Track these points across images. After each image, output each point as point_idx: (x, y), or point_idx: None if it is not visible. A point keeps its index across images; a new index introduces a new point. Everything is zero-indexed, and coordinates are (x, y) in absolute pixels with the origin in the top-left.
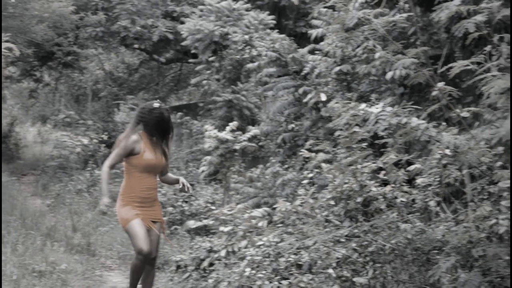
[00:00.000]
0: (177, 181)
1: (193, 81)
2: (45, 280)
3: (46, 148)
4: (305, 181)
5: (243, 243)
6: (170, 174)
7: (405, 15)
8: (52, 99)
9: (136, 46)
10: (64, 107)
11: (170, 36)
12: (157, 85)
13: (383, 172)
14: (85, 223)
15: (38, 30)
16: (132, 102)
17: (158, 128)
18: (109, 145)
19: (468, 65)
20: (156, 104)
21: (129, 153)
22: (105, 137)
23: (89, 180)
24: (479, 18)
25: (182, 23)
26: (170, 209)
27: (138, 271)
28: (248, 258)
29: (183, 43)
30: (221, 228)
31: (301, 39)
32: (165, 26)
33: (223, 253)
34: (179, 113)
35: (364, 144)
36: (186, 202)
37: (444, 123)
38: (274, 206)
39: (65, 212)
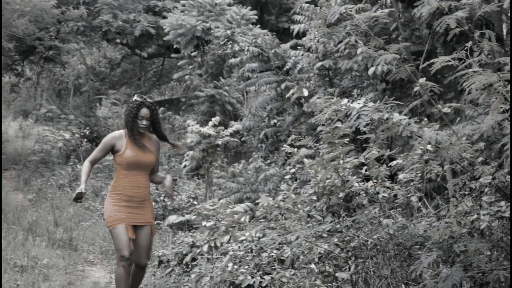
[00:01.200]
0: (163, 180)
1: (175, 76)
2: (26, 275)
3: (28, 142)
4: (287, 176)
5: (226, 238)
6: (159, 173)
7: (387, 10)
8: (33, 94)
9: (118, 40)
10: (45, 102)
11: (152, 31)
12: (139, 80)
13: (365, 167)
14: (67, 218)
15: (19, 24)
16: (114, 97)
17: (129, 122)
18: (91, 139)
19: (449, 61)
20: (135, 97)
21: (111, 150)
22: (87, 132)
23: (71, 175)
24: (460, 14)
25: (164, 17)
26: (152, 204)
27: (123, 279)
28: (231, 253)
29: (165, 38)
30: (204, 223)
31: (283, 35)
32: (147, 20)
33: (205, 248)
34: (162, 108)
35: (346, 140)
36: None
37: (425, 119)
38: (257, 201)
39: (47, 207)
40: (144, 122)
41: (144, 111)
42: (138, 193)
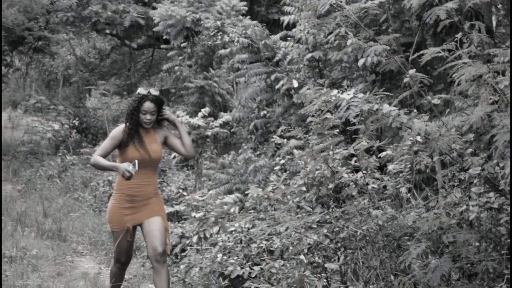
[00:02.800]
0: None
1: (165, 67)
2: (15, 266)
3: (17, 133)
4: (277, 168)
5: (215, 229)
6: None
7: (377, 1)
8: (22, 84)
9: (107, 31)
10: (35, 92)
11: (142, 22)
12: (129, 70)
13: (354, 158)
14: (56, 209)
15: (8, 14)
16: (103, 87)
17: (128, 116)
18: (80, 130)
19: (439, 52)
20: (139, 89)
21: (119, 145)
22: (76, 122)
23: (60, 166)
24: (450, 5)
25: (154, 8)
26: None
27: (116, 277)
28: (220, 244)
29: (155, 29)
30: (193, 214)
31: (273, 26)
32: (137, 11)
33: (195, 239)
34: None
35: (336, 131)
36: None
37: (415, 110)
38: (246, 192)
39: (36, 198)
40: (148, 116)
41: (148, 105)
42: (141, 191)
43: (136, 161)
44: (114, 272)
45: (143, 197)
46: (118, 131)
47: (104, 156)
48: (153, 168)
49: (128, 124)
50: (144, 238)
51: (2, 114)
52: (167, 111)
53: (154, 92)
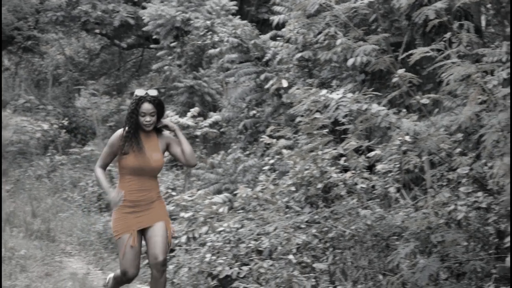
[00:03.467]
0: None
1: (154, 66)
2: (4, 266)
3: (6, 133)
4: (266, 167)
5: (204, 229)
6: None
7: (366, 1)
8: (12, 84)
9: (97, 31)
10: (24, 92)
11: (131, 21)
12: (118, 70)
13: (343, 158)
14: (45, 209)
15: None
16: (93, 87)
17: (127, 120)
18: (70, 130)
19: (428, 52)
20: (136, 91)
21: (117, 152)
22: (65, 122)
23: (49, 166)
24: (439, 5)
25: (144, 8)
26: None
27: (118, 284)
28: (209, 244)
29: (145, 29)
30: (182, 214)
31: (263, 25)
32: (126, 11)
33: (183, 239)
34: None
35: (325, 131)
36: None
37: (404, 110)
38: (235, 192)
39: (25, 198)
40: (148, 118)
41: (146, 107)
42: (143, 196)
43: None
44: (117, 278)
45: (146, 202)
46: (115, 137)
47: (105, 166)
48: (155, 174)
49: (126, 127)
50: (146, 244)
51: None
52: (167, 119)
53: (152, 92)
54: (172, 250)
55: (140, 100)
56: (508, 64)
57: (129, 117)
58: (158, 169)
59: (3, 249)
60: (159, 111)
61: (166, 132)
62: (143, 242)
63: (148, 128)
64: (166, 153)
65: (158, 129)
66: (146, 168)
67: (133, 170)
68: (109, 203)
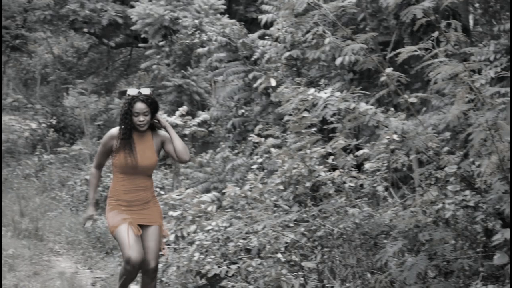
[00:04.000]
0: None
1: (143, 65)
2: None
3: None
4: (254, 166)
5: (192, 227)
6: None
7: (354, 0)
8: None
9: (85, 30)
10: (12, 91)
11: (120, 20)
12: (107, 69)
13: (331, 157)
14: (33, 208)
15: None
16: (81, 86)
17: (122, 120)
18: (58, 129)
19: (415, 51)
20: (128, 90)
21: (110, 151)
22: (53, 121)
23: (37, 165)
24: (427, 4)
25: (132, 7)
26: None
27: (126, 281)
28: (197, 242)
29: (133, 28)
30: (170, 213)
31: (252, 25)
32: (115, 10)
33: (172, 237)
34: None
35: (313, 129)
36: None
37: (392, 109)
38: (224, 191)
39: (13, 197)
40: (141, 118)
41: (139, 106)
42: (137, 196)
43: (90, 221)
44: (123, 273)
45: (141, 202)
46: (108, 137)
47: (100, 165)
48: (149, 173)
49: (121, 128)
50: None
51: None
52: (159, 116)
53: (145, 91)
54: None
55: (133, 99)
56: (496, 63)
57: (123, 118)
58: (150, 167)
59: None
60: (153, 110)
61: (161, 131)
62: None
63: (142, 128)
64: (162, 152)
65: (153, 128)
66: (138, 167)
67: (125, 169)
68: (84, 218)
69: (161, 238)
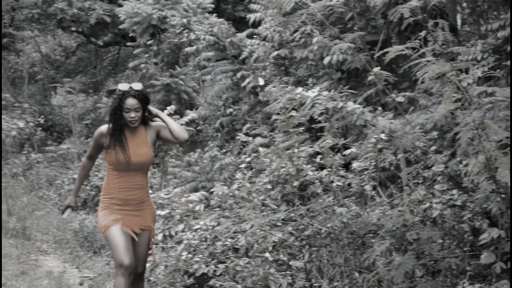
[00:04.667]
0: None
1: (131, 64)
2: None
3: None
4: (242, 165)
5: (180, 227)
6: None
7: None
8: None
9: (73, 28)
10: None
11: (108, 19)
12: (95, 68)
13: (319, 156)
14: (20, 207)
15: None
16: (69, 85)
17: (111, 116)
18: (46, 128)
19: (403, 50)
20: (119, 85)
21: (102, 147)
22: (41, 120)
23: (25, 164)
24: (414, 3)
25: (120, 6)
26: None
27: (121, 285)
28: (185, 242)
29: (121, 26)
30: (158, 212)
31: (240, 24)
32: (103, 8)
33: (160, 237)
34: None
35: (301, 129)
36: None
37: (380, 108)
38: (212, 190)
39: None
40: (132, 114)
41: (130, 102)
42: (132, 195)
43: (69, 210)
44: (117, 284)
45: (135, 201)
46: (98, 132)
47: (91, 157)
48: (145, 170)
49: (111, 125)
50: None
51: None
52: (149, 107)
53: (136, 86)
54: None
55: (124, 95)
56: (483, 62)
57: (113, 113)
58: (146, 164)
59: None
60: (145, 106)
61: (153, 122)
62: None
63: (133, 125)
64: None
65: (145, 122)
66: (133, 164)
67: (119, 166)
68: (63, 205)
69: (151, 241)
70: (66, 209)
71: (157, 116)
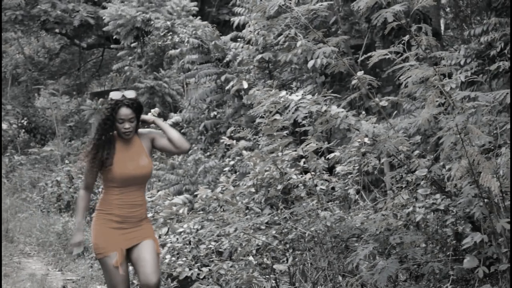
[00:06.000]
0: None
1: (114, 67)
2: None
3: None
4: (226, 169)
5: (164, 230)
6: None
7: (326, 3)
8: None
9: (57, 30)
10: None
11: (92, 21)
12: (79, 70)
13: (303, 160)
14: (3, 209)
15: None
16: (52, 87)
17: (103, 127)
18: (29, 130)
19: (386, 55)
20: (111, 94)
21: (102, 164)
22: (24, 122)
23: (8, 166)
24: (398, 7)
25: (104, 8)
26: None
27: None
28: (169, 245)
29: (105, 29)
30: None
31: (224, 27)
32: (86, 10)
33: None
34: (101, 99)
35: (285, 132)
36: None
37: (363, 112)
38: (196, 193)
39: None
40: (127, 125)
41: (124, 112)
42: (133, 212)
43: (81, 247)
44: None
45: (134, 219)
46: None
47: (89, 185)
48: (144, 184)
49: (96, 136)
50: (134, 266)
51: None
52: (143, 116)
53: (129, 94)
54: None
55: (117, 104)
56: (466, 67)
57: (102, 123)
58: (146, 176)
59: None
60: (139, 115)
61: (144, 129)
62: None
63: (128, 136)
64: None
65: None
66: (132, 178)
67: (122, 182)
68: (70, 245)
69: (158, 253)
70: (76, 246)
71: (154, 123)
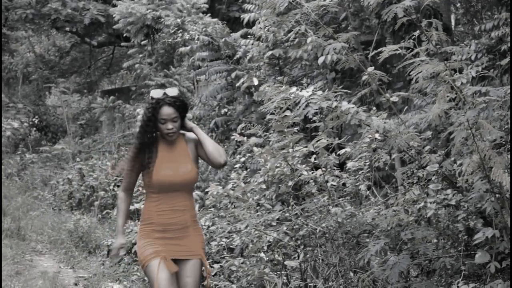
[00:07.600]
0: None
1: (125, 64)
2: None
3: None
4: (237, 165)
5: None
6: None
7: None
8: None
9: (67, 29)
10: None
11: (102, 19)
12: (89, 68)
13: (314, 156)
14: (15, 207)
15: None
16: (63, 85)
17: (145, 129)
18: (40, 128)
19: (397, 50)
20: (152, 92)
21: (142, 166)
22: (36, 120)
23: (20, 164)
24: (408, 3)
25: (114, 6)
26: (101, 193)
27: None
28: None
29: (115, 26)
30: None
31: (234, 24)
32: (97, 9)
33: None
34: (112, 97)
35: (295, 128)
36: (118, 186)
37: (374, 108)
38: (207, 190)
39: None
40: (169, 125)
41: (166, 111)
42: (175, 218)
43: (123, 251)
44: None
45: (177, 226)
46: (133, 152)
47: (129, 187)
48: (188, 190)
49: (141, 139)
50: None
51: None
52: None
53: (172, 92)
54: None
55: (158, 103)
56: (477, 62)
57: (144, 125)
58: (190, 182)
59: None
60: (183, 115)
61: (191, 134)
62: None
63: (171, 137)
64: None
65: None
66: (174, 184)
67: (160, 187)
68: (112, 250)
69: (207, 272)
70: (118, 250)
71: (191, 131)
